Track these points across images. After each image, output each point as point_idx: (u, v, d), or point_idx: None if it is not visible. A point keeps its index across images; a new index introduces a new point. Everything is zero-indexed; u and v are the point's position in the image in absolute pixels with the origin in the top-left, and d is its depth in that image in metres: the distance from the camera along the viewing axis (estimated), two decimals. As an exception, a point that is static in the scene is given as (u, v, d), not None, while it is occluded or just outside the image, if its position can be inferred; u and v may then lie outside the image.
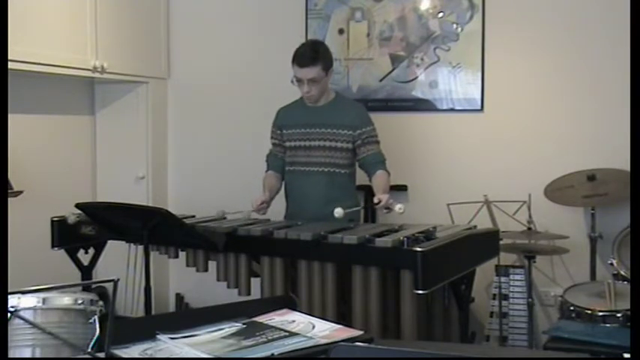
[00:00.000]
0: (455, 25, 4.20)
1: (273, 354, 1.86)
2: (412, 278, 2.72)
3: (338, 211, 3.15)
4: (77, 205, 3.21)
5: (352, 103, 3.73)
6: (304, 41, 3.74)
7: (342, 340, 1.97)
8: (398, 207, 3.17)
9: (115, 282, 1.78)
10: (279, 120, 3.65)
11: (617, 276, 3.69)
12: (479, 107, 4.19)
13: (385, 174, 3.51)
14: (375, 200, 3.30)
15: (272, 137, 3.68)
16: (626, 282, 3.59)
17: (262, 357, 1.85)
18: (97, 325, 1.89)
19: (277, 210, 3.66)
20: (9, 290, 1.80)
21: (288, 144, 3.60)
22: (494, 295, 3.92)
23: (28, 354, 1.82)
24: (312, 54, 3.40)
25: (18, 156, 3.64)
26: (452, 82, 4.23)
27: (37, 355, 1.82)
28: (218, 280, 3.25)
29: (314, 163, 3.54)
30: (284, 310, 2.26)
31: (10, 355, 1.79)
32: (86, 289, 3.20)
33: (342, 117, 3.51)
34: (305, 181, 3.56)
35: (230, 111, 4.69)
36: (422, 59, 4.27)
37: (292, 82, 3.47)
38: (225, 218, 3.51)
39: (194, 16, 4.77)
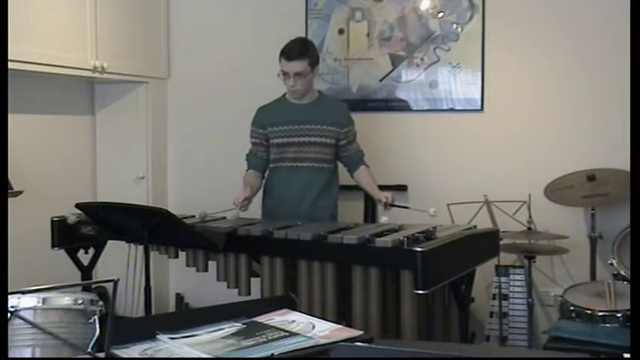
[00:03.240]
0: (455, 25, 4.20)
1: (273, 354, 1.86)
2: (412, 278, 2.72)
3: (385, 220, 3.35)
4: (77, 205, 3.21)
5: (337, 101, 3.83)
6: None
7: (342, 340, 1.96)
8: (432, 210, 3.36)
9: (115, 282, 1.78)
10: (261, 118, 3.69)
11: (617, 276, 3.70)
12: (479, 107, 4.19)
13: (369, 169, 3.73)
14: (383, 199, 3.48)
15: (252, 136, 3.72)
16: (626, 282, 3.59)
17: (262, 357, 1.84)
18: (97, 325, 1.89)
19: (256, 207, 3.68)
20: (9, 290, 1.80)
21: (274, 141, 3.64)
22: (494, 295, 3.92)
23: (28, 354, 1.82)
24: (300, 48, 3.51)
25: (18, 156, 3.64)
26: (452, 82, 4.23)
27: (37, 355, 1.82)
28: (218, 280, 3.25)
29: (303, 158, 3.60)
30: (284, 310, 2.26)
31: (10, 355, 1.79)
32: (86, 289, 3.19)
33: (329, 114, 3.62)
34: (291, 177, 3.62)
35: (230, 111, 4.69)
36: (422, 59, 4.27)
37: (278, 75, 3.55)
38: (205, 218, 3.50)
39: (194, 16, 4.77)
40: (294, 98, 3.63)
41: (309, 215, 3.54)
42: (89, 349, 1.84)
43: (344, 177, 4.42)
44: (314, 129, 3.59)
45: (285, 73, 3.52)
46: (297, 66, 3.48)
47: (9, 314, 1.79)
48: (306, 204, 3.59)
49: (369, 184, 3.67)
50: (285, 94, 3.68)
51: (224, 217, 3.57)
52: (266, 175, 3.74)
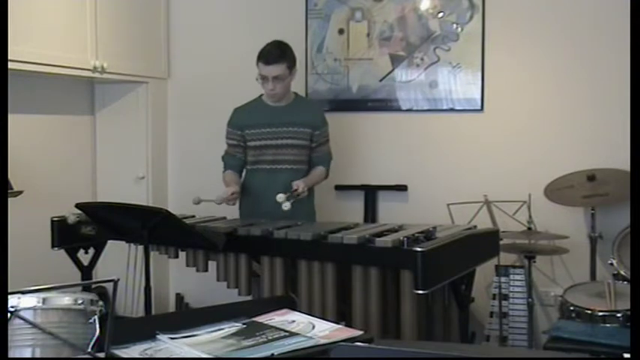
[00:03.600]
0: (455, 25, 4.20)
1: (273, 354, 1.86)
2: (412, 278, 2.72)
3: (280, 196, 3.33)
4: (77, 205, 3.21)
5: (312, 102, 3.87)
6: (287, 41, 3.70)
7: (342, 340, 1.97)
8: (285, 204, 3.32)
9: (115, 282, 1.78)
10: (238, 120, 3.72)
11: (617, 276, 3.69)
12: (479, 107, 4.19)
13: (323, 171, 3.75)
14: (294, 186, 3.49)
15: (229, 138, 3.74)
16: (626, 282, 3.59)
17: (262, 357, 1.85)
18: (97, 325, 1.89)
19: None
20: (9, 290, 1.80)
21: (252, 143, 3.66)
22: (494, 295, 3.92)
23: (28, 354, 1.82)
24: (278, 52, 3.53)
25: (18, 156, 3.63)
26: (452, 82, 4.23)
27: (37, 355, 1.82)
28: (218, 280, 3.25)
29: (280, 161, 3.64)
30: (284, 310, 2.26)
31: (10, 355, 1.79)
32: (86, 289, 3.20)
33: (305, 116, 3.66)
34: (269, 179, 3.64)
35: (230, 111, 4.67)
36: (422, 59, 4.27)
37: (257, 79, 3.57)
38: (199, 202, 3.52)
39: (194, 16, 4.77)
40: (273, 101, 3.66)
41: (288, 216, 3.53)
42: (89, 349, 1.84)
43: (343, 177, 4.44)
44: (290, 131, 3.63)
45: (263, 77, 3.55)
46: (275, 69, 3.51)
47: (9, 314, 1.79)
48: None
49: (308, 175, 3.67)
50: (261, 95, 3.72)
51: (224, 217, 3.57)
52: (243, 175, 3.76)
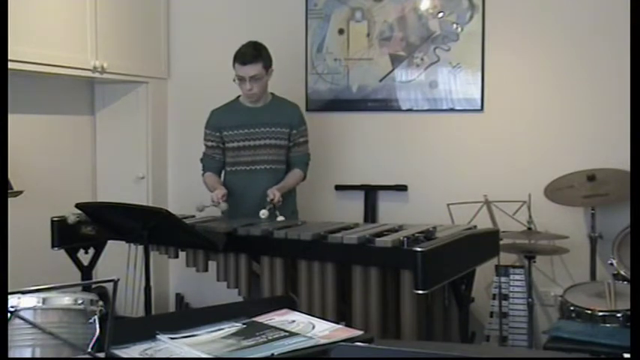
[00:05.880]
0: (455, 25, 4.20)
1: (273, 354, 1.86)
2: (412, 278, 2.72)
3: (264, 213, 3.41)
4: (77, 205, 3.21)
5: (289, 102, 3.85)
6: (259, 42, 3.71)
7: (342, 340, 1.97)
8: (262, 212, 3.43)
9: (115, 282, 1.78)
10: (216, 122, 3.74)
11: (617, 276, 3.70)
12: (479, 107, 4.19)
13: (300, 174, 3.76)
14: (270, 195, 3.50)
15: (208, 140, 3.75)
16: (626, 282, 3.59)
17: (262, 357, 1.85)
18: (97, 325, 1.89)
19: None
20: (9, 290, 1.80)
21: (230, 145, 3.69)
22: (494, 295, 3.92)
23: (28, 354, 1.82)
24: (253, 52, 3.57)
25: (18, 156, 3.63)
26: (452, 82, 4.23)
27: (37, 355, 1.82)
28: (218, 280, 3.25)
29: (259, 161, 3.66)
30: (284, 310, 2.26)
31: (10, 355, 1.79)
32: (86, 289, 3.20)
33: (281, 116, 3.69)
34: (248, 180, 3.66)
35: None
36: (422, 59, 4.27)
37: (234, 80, 3.60)
38: (203, 210, 3.57)
39: (194, 16, 4.77)
40: (251, 102, 3.68)
41: (270, 214, 3.53)
42: (89, 349, 1.85)
43: (343, 177, 4.44)
44: (268, 132, 3.65)
45: (240, 78, 3.57)
46: (251, 69, 3.54)
47: (9, 314, 1.79)
48: (262, 206, 3.54)
49: (283, 181, 3.67)
50: (238, 97, 3.74)
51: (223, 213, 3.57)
52: (222, 176, 3.77)
